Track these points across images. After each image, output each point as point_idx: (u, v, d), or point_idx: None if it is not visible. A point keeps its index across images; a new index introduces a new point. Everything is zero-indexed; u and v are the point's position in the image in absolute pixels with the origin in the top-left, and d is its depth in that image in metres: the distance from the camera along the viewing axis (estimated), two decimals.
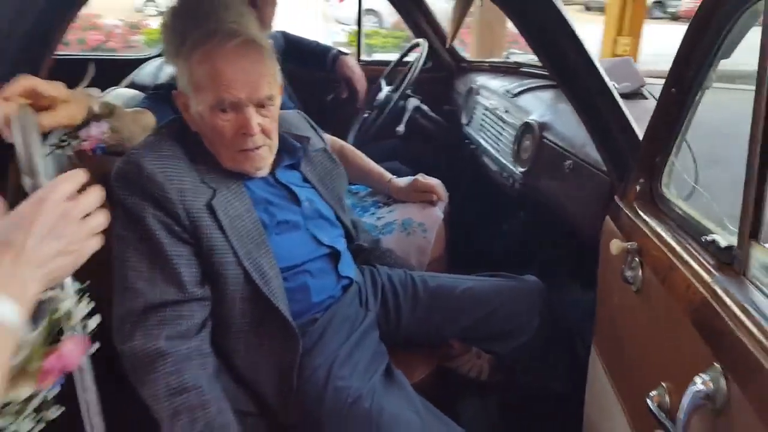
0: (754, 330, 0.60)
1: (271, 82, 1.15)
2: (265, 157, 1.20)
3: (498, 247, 1.98)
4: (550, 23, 1.05)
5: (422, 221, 1.61)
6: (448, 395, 1.56)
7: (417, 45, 2.28)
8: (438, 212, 1.65)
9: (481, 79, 2.24)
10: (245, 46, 1.12)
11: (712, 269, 0.71)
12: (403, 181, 1.69)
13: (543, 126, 1.58)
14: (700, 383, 0.64)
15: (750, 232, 0.66)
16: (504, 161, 1.79)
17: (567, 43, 1.06)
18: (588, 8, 13.85)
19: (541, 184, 1.57)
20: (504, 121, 1.84)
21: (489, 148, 1.93)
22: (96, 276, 0.84)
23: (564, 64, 1.09)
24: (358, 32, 2.75)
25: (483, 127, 2.03)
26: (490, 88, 2.08)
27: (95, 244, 0.68)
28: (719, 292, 0.67)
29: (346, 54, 2.46)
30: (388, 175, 1.71)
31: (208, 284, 1.13)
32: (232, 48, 1.11)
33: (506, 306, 1.38)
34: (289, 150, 1.30)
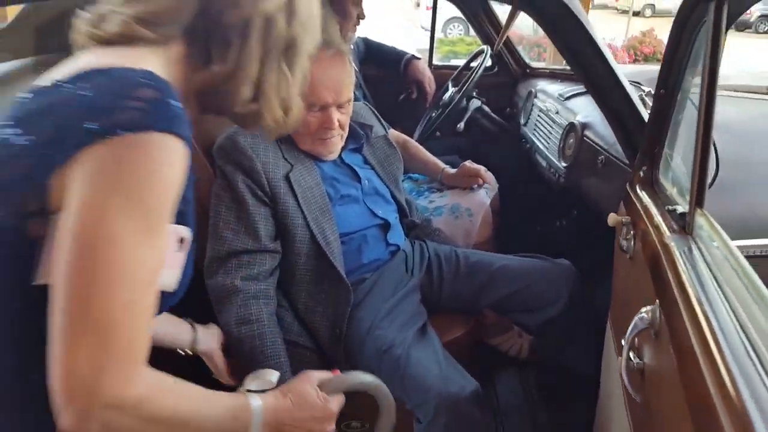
0: (682, 275, 0.77)
1: (351, 87, 1.41)
2: (337, 143, 1.47)
3: (544, 237, 2.13)
4: (574, 34, 1.23)
5: (469, 206, 1.83)
6: (480, 359, 1.75)
7: (482, 51, 2.47)
8: (484, 199, 1.85)
9: (541, 84, 2.41)
10: (336, 57, 1.37)
11: (670, 231, 0.89)
12: (453, 169, 1.92)
13: (585, 125, 1.74)
14: (644, 312, 0.82)
15: (696, 201, 0.84)
16: (551, 157, 1.96)
17: (590, 52, 1.24)
18: None
19: (581, 177, 1.73)
20: (554, 122, 2.01)
21: (540, 146, 2.10)
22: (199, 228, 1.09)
23: (588, 70, 1.26)
24: (431, 39, 2.98)
25: (537, 127, 2.20)
26: (547, 92, 2.24)
27: None
28: (669, 246, 0.85)
29: (418, 59, 2.72)
30: (442, 165, 1.94)
31: (280, 241, 1.40)
32: (327, 57, 1.35)
33: (536, 283, 1.54)
34: (355, 136, 1.55)
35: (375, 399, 0.94)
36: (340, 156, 1.52)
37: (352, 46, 2.55)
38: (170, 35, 0.70)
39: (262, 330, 1.28)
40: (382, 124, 1.72)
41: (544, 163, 2.05)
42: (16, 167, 0.64)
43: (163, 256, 0.67)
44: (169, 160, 0.64)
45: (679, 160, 1.05)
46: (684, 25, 0.91)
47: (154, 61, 0.68)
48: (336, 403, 0.90)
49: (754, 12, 22.13)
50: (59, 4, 1.98)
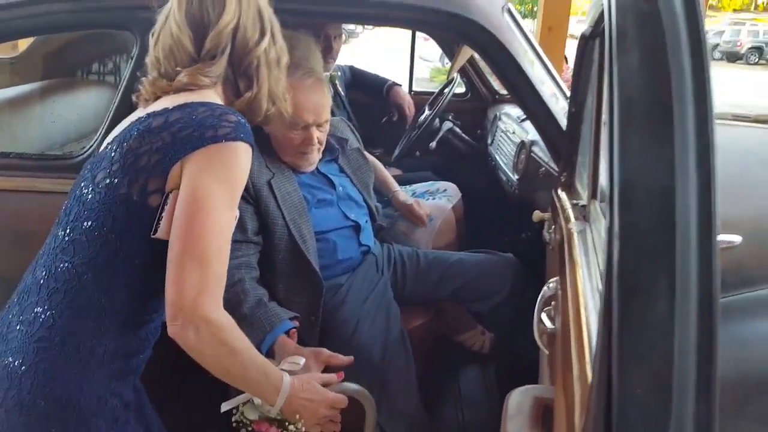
0: (575, 250, 0.99)
1: (328, 108, 1.63)
2: (315, 157, 1.68)
3: (510, 247, 2.35)
4: (508, 66, 1.47)
5: (430, 212, 2.04)
6: (446, 355, 1.95)
7: (453, 79, 2.74)
8: (446, 205, 2.07)
9: (506, 108, 2.66)
10: (316, 84, 1.59)
11: (575, 219, 1.11)
12: (404, 196, 2.08)
13: (532, 143, 1.98)
14: (552, 282, 1.03)
15: (591, 195, 1.06)
16: (508, 172, 2.19)
17: (522, 81, 1.48)
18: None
19: (529, 188, 1.96)
20: (511, 140, 2.25)
21: (501, 162, 2.34)
22: None
23: (520, 94, 1.50)
24: (411, 67, 3.26)
25: (499, 147, 2.44)
26: (509, 115, 2.49)
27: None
28: (571, 230, 1.06)
29: (399, 85, 2.99)
30: (395, 188, 2.11)
31: (262, 237, 1.60)
32: (309, 84, 1.56)
33: (485, 275, 1.77)
34: (330, 149, 1.77)
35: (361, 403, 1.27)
36: (317, 167, 1.74)
37: (339, 73, 2.80)
38: (215, 81, 1.04)
39: (243, 287, 1.48)
40: (356, 137, 1.94)
41: (504, 178, 2.27)
42: (143, 161, 0.96)
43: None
44: (244, 159, 0.97)
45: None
46: (582, 58, 1.15)
47: (214, 98, 1.03)
48: (334, 396, 1.17)
49: (745, 44, 22.47)
50: (63, 37, 2.21)
